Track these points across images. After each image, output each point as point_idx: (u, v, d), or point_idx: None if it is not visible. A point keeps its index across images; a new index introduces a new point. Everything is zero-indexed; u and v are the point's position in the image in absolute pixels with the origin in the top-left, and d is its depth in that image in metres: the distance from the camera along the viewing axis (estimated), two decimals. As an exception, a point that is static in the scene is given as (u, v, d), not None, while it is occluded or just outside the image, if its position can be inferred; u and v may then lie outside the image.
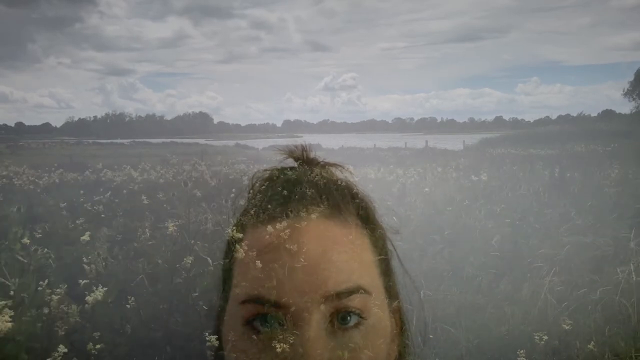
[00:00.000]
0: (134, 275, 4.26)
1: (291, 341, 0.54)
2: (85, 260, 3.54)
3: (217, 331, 0.65)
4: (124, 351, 3.23)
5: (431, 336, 3.74)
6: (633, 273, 4.77)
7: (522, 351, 3.21)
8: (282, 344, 0.54)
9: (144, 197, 6.98)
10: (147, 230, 4.96)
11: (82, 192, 9.39)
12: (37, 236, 4.70)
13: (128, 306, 3.25)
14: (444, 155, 18.04)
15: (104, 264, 4.49)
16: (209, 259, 3.93)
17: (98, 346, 2.63)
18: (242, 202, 0.69)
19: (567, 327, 3.56)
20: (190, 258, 3.66)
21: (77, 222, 6.49)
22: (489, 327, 4.24)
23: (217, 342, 0.66)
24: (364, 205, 0.67)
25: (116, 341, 3.19)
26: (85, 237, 3.87)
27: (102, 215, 6.91)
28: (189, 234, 4.33)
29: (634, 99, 41.26)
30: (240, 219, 0.66)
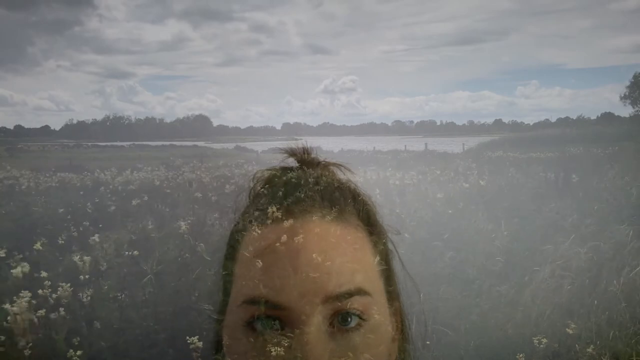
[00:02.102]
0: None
1: (286, 344, 0.54)
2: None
3: (217, 333, 0.65)
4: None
5: (428, 343, 3.74)
6: (633, 276, 4.77)
7: (521, 355, 3.20)
8: (278, 346, 0.53)
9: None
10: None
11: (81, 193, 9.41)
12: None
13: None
14: (444, 158, 18.07)
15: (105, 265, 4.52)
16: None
17: (79, 352, 2.63)
18: (243, 202, 0.69)
19: (571, 332, 3.55)
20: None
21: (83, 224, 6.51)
22: (488, 330, 4.24)
23: (200, 343, 0.66)
24: (364, 206, 0.67)
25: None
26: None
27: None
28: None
29: (631, 104, 41.36)
30: (241, 220, 0.65)
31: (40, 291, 3.26)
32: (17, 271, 3.25)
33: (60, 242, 5.82)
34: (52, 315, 3.14)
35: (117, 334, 3.62)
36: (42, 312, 3.03)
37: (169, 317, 3.82)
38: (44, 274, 3.50)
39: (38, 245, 4.10)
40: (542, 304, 4.59)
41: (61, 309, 3.28)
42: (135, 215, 7.93)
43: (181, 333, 3.42)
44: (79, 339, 3.22)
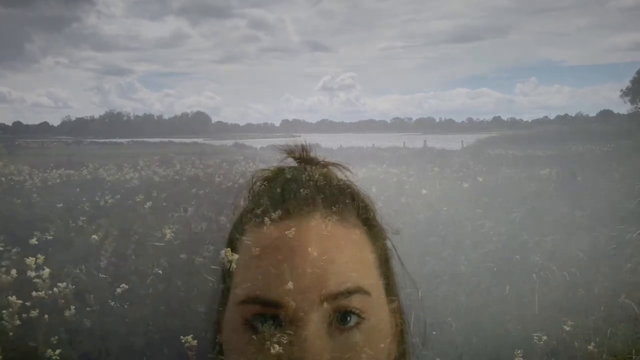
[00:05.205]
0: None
1: (285, 341, 0.54)
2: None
3: (217, 332, 0.65)
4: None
5: (434, 333, 3.74)
6: (632, 273, 4.77)
7: (519, 351, 3.20)
8: (277, 345, 0.53)
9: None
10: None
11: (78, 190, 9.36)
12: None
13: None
14: (443, 155, 18.01)
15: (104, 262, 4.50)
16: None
17: (58, 351, 2.61)
18: (242, 202, 0.69)
19: (567, 328, 3.56)
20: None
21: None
22: (486, 327, 4.24)
23: (194, 342, 0.67)
24: (363, 205, 0.67)
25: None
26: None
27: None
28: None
29: (630, 101, 41.22)
30: (240, 219, 0.65)
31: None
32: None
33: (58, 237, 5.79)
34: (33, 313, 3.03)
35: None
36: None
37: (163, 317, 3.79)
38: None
39: (34, 241, 4.05)
40: (540, 302, 4.60)
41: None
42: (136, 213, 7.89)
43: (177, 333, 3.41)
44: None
